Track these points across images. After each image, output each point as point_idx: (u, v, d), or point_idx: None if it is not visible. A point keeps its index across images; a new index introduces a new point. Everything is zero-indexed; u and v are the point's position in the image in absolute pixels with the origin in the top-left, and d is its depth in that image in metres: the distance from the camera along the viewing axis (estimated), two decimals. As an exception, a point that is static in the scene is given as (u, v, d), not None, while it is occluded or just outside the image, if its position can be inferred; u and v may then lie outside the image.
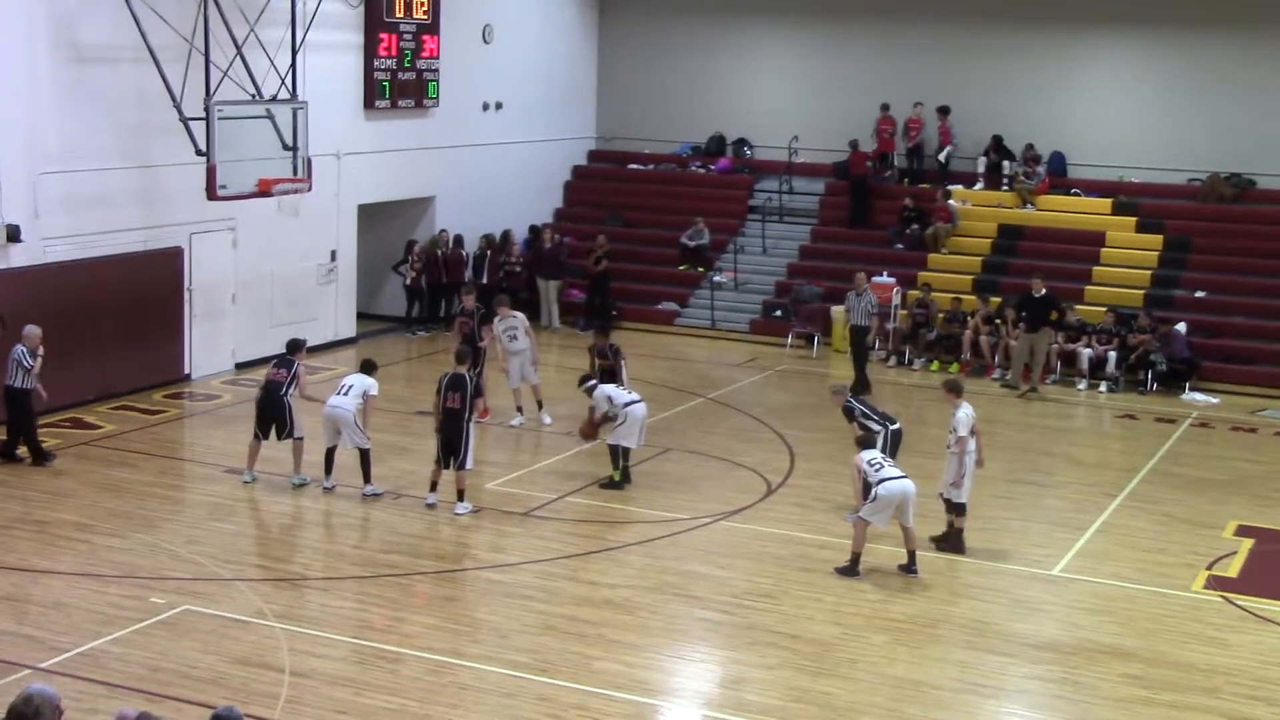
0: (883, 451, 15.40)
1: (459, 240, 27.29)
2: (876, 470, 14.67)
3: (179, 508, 16.70)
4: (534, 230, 29.16)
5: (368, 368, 17.45)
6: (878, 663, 12.62)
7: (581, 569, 14.79)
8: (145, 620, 12.91)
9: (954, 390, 16.01)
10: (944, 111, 28.87)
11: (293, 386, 17.10)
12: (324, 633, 12.84)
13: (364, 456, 16.88)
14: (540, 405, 20.40)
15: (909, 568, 14.80)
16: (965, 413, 15.52)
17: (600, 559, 15.20)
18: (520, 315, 20.54)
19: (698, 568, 14.88)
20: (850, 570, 14.70)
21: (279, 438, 17.10)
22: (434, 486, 16.52)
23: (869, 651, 12.89)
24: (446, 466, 16.31)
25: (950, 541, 15.60)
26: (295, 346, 17.61)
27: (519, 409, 20.34)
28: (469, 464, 16.33)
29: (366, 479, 16.85)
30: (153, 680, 11.64)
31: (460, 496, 16.37)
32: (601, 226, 29.61)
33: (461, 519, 16.15)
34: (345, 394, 16.93)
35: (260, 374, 21.99)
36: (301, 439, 17.10)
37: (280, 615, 13.17)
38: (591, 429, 17.89)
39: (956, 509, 15.63)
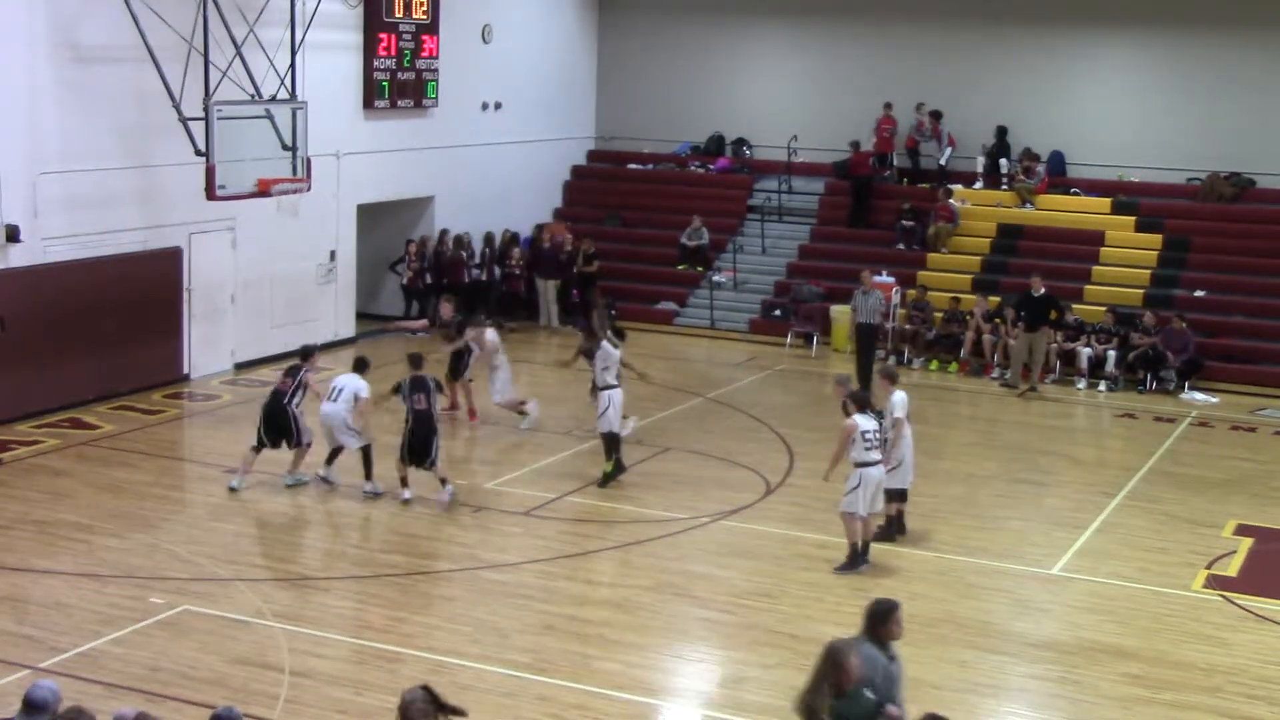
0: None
1: (458, 241, 27.28)
2: (866, 449, 14.51)
3: (179, 508, 16.71)
4: (537, 228, 29.26)
5: (359, 366, 17.39)
6: (878, 662, 12.61)
7: (581, 569, 14.80)
8: (145, 620, 12.91)
9: (889, 377, 15.97)
10: (936, 116, 28.88)
11: (298, 396, 17.06)
12: (324, 633, 12.84)
13: (365, 454, 16.87)
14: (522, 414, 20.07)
15: (862, 557, 14.76)
16: (900, 398, 15.49)
17: (600, 559, 15.21)
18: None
19: (698, 568, 14.88)
20: (850, 566, 14.68)
21: (288, 447, 17.06)
22: (405, 483, 16.60)
23: (869, 651, 12.87)
24: (412, 465, 16.45)
25: (888, 529, 15.57)
26: (306, 354, 17.55)
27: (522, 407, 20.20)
28: (438, 464, 16.52)
29: (368, 476, 16.85)
30: (153, 680, 11.65)
31: (443, 484, 16.56)
32: (600, 226, 29.65)
33: (465, 519, 16.16)
34: (335, 399, 16.83)
35: (260, 374, 22.19)
36: (308, 445, 17.07)
37: (280, 615, 13.17)
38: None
39: (897, 495, 15.55)
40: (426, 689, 7.85)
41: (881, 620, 8.95)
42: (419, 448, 16.33)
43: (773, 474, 18.28)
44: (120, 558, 14.59)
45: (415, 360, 16.97)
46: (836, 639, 8.64)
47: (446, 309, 20.65)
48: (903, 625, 9.05)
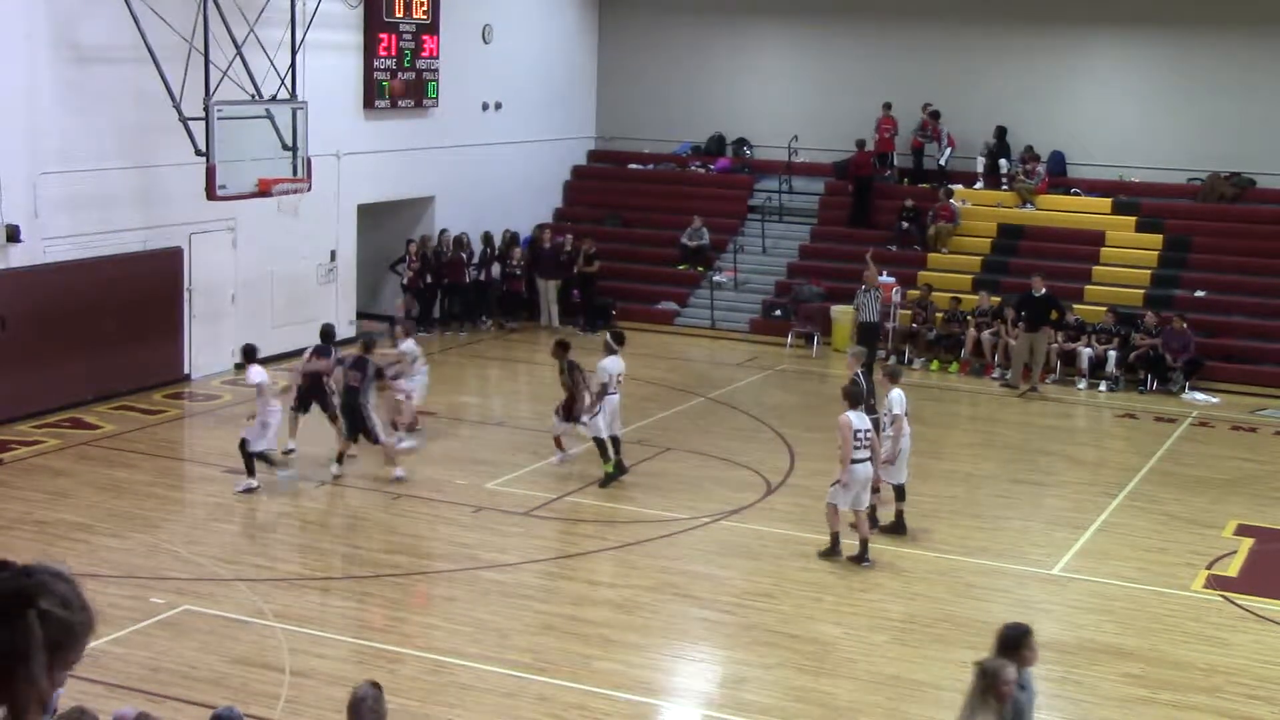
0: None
1: (458, 241, 27.28)
2: (856, 447, 14.58)
3: (179, 508, 16.71)
4: (536, 229, 29.25)
5: (251, 353, 17.33)
6: (878, 662, 12.61)
7: (581, 569, 14.80)
8: (145, 620, 12.91)
9: (891, 376, 16.14)
10: (935, 115, 28.89)
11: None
12: (324, 633, 12.85)
13: (263, 456, 16.89)
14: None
15: (861, 558, 14.80)
16: (898, 395, 15.60)
17: (600, 559, 15.21)
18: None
19: (698, 568, 14.87)
20: (830, 553, 14.79)
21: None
22: (340, 458, 17.35)
23: (869, 651, 12.88)
24: (354, 440, 17.19)
25: (874, 517, 15.61)
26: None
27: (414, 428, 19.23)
28: (381, 438, 17.17)
29: (259, 467, 16.86)
30: (153, 680, 11.65)
31: (393, 463, 17.23)
32: (600, 226, 29.65)
33: (465, 519, 16.17)
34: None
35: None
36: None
37: (280, 615, 13.17)
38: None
39: (895, 491, 15.68)
40: (377, 685, 7.67)
41: (1015, 646, 8.50)
42: (348, 420, 17.11)
43: (773, 474, 18.28)
44: (120, 558, 14.60)
45: (366, 344, 17.81)
46: (987, 658, 8.29)
47: (400, 306, 20.69)
48: (1037, 651, 8.64)
